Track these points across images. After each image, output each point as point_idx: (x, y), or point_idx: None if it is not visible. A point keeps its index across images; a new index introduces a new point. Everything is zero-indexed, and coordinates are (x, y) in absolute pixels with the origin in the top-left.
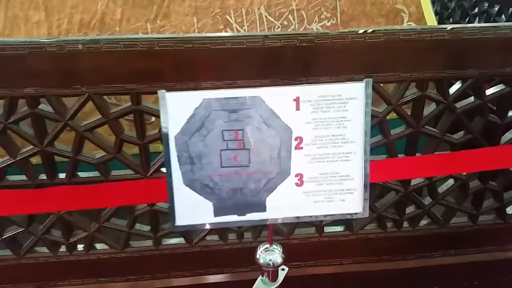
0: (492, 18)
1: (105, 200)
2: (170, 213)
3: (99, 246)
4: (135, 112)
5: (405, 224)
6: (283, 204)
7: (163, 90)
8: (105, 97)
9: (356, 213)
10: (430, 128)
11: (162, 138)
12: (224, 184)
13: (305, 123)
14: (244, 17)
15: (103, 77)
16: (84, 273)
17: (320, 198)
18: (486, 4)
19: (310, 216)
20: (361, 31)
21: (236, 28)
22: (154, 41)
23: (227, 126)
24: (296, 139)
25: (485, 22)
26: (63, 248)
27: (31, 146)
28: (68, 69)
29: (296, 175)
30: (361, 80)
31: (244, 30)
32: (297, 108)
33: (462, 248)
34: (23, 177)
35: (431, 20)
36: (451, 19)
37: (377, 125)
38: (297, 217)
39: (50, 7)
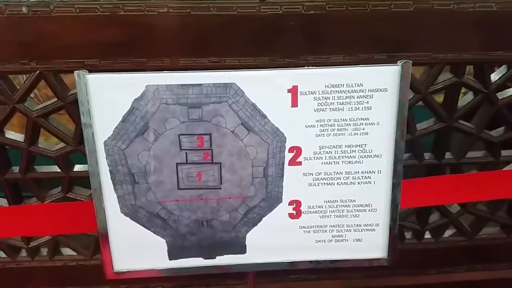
0: None
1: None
2: (102, 255)
3: (65, 251)
4: None
5: (427, 234)
6: (272, 244)
7: (83, 71)
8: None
9: (378, 259)
10: (465, 122)
11: (85, 143)
12: (183, 213)
13: (306, 126)
14: None
15: (57, 50)
16: (48, 281)
17: (326, 236)
18: None
19: (311, 262)
20: None
21: None
22: (118, 4)
23: (185, 129)
24: (291, 150)
25: None
26: (23, 253)
27: None
28: (11, 39)
29: (291, 203)
30: (389, 61)
31: None
32: (294, 104)
33: (491, 263)
34: None
35: None
36: None
37: None
38: (292, 263)
39: None
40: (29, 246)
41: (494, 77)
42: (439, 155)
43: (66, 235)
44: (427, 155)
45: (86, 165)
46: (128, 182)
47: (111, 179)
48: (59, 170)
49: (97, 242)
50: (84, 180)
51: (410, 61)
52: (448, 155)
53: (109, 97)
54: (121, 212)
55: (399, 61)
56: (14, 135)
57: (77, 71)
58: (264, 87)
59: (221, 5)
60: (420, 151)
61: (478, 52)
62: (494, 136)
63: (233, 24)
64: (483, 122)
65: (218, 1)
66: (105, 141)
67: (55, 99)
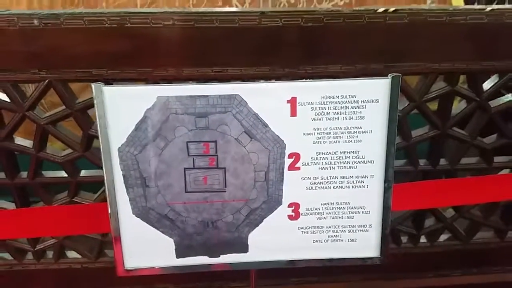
0: None
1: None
2: (115, 254)
3: (70, 254)
4: None
5: (423, 239)
6: (272, 243)
7: (99, 83)
8: None
9: (371, 258)
10: (458, 130)
11: (102, 150)
12: (190, 214)
13: (304, 134)
14: None
15: (65, 60)
16: (53, 283)
17: (322, 237)
18: None
19: (308, 260)
20: (381, 10)
21: (236, 5)
22: (125, 17)
23: (193, 136)
24: (290, 156)
25: None
26: (29, 256)
27: None
28: (23, 50)
29: (290, 205)
30: (382, 73)
31: (245, 8)
32: (293, 113)
33: (486, 267)
34: None
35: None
36: (476, 2)
37: None
38: (291, 262)
39: None
40: (35, 249)
41: (487, 85)
42: (434, 162)
43: (71, 238)
44: (422, 162)
45: (92, 170)
46: (139, 185)
47: (124, 182)
48: (66, 175)
49: (101, 245)
50: (89, 185)
51: (400, 74)
52: (443, 161)
53: (123, 107)
54: (133, 214)
55: (389, 75)
56: (23, 141)
57: (94, 83)
58: (265, 98)
59: (223, 18)
60: (415, 157)
61: (471, 62)
62: (487, 143)
63: (235, 36)
64: (476, 129)
65: (220, 13)
66: (119, 147)
67: (63, 107)
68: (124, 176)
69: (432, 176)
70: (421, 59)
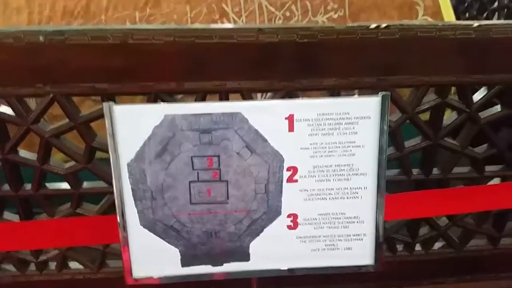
0: None
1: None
2: (123, 263)
3: (73, 265)
4: None
5: (417, 247)
6: (272, 252)
7: (110, 103)
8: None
9: (365, 266)
10: (450, 140)
11: (112, 165)
12: (195, 225)
13: (301, 148)
14: (242, 6)
15: (69, 75)
16: None
17: (320, 246)
18: None
19: (307, 269)
20: (373, 26)
21: (233, 19)
22: (127, 33)
23: (197, 151)
24: (288, 169)
25: (505, 19)
26: (32, 267)
27: None
28: (28, 65)
29: (289, 216)
30: (375, 86)
31: (242, 21)
32: (291, 129)
33: (480, 273)
34: None
35: (448, 14)
36: (467, 14)
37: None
38: (290, 269)
39: None
40: (38, 260)
41: (477, 97)
42: (427, 171)
43: (74, 249)
44: (415, 171)
45: (94, 182)
46: (147, 198)
47: (133, 195)
48: (69, 187)
49: (103, 256)
50: (91, 196)
51: (389, 93)
52: (435, 170)
53: (132, 124)
54: (141, 225)
55: (379, 93)
56: (26, 153)
57: (105, 103)
58: (265, 115)
59: (222, 34)
60: (408, 167)
61: (460, 75)
62: (478, 153)
63: (234, 51)
64: (467, 139)
65: (220, 30)
66: (128, 163)
67: (67, 120)
68: (132, 189)
69: (425, 185)
70: (412, 72)
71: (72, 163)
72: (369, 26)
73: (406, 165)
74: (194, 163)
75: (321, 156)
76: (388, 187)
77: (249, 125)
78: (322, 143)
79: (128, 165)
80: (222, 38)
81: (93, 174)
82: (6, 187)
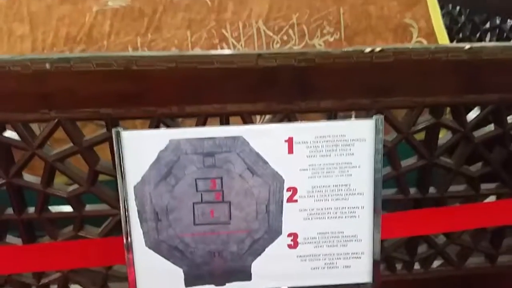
0: (505, 34)
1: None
2: (129, 284)
3: (74, 287)
4: (111, 139)
5: (416, 265)
6: (273, 271)
7: (119, 128)
8: None
9: (364, 284)
10: (445, 159)
11: (119, 189)
12: (198, 246)
13: (300, 169)
14: (241, 31)
15: (75, 101)
16: None
17: (319, 264)
18: (498, 20)
19: (307, 287)
20: (367, 50)
21: (232, 43)
22: (131, 60)
23: (201, 174)
24: (288, 189)
25: (497, 38)
26: None
27: None
28: (35, 92)
29: (289, 235)
30: (370, 107)
31: (241, 45)
32: (290, 151)
33: None
34: None
35: (442, 36)
36: (460, 34)
37: (386, 154)
38: None
39: (35, 20)
40: (40, 283)
41: (471, 116)
42: (423, 190)
43: (75, 272)
44: (412, 190)
45: (96, 205)
46: (152, 219)
47: (139, 217)
48: (72, 210)
49: (105, 278)
50: (93, 219)
51: (382, 116)
52: (432, 189)
53: (139, 149)
54: (146, 246)
55: (374, 116)
56: (30, 177)
57: (113, 129)
58: (265, 139)
59: (223, 60)
60: (405, 186)
61: (453, 96)
62: (473, 171)
63: (234, 75)
64: (462, 158)
65: (220, 56)
66: (135, 186)
67: (71, 144)
68: (138, 211)
69: (422, 204)
70: (406, 94)
71: (75, 186)
72: (364, 50)
73: (402, 184)
74: (198, 185)
75: (320, 177)
76: (386, 206)
77: (250, 148)
78: (320, 164)
79: (135, 188)
80: (223, 64)
81: (96, 197)
82: (9, 210)
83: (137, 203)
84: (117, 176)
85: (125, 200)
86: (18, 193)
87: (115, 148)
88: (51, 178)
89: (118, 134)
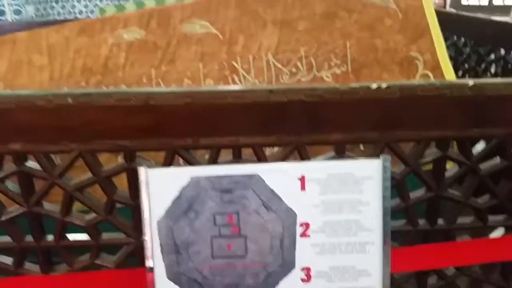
0: (509, 65)
1: None
2: None
3: None
4: (128, 170)
5: None
6: None
7: (144, 167)
8: None
9: None
10: (453, 191)
11: (144, 223)
12: (216, 278)
13: (312, 206)
14: (251, 63)
15: (95, 133)
16: None
17: None
18: (503, 51)
19: None
20: (374, 86)
21: (243, 75)
22: (150, 95)
23: (219, 209)
24: (301, 225)
25: (502, 69)
26: None
27: (17, 206)
28: (57, 125)
29: (303, 269)
30: (378, 140)
31: (251, 77)
32: (303, 188)
33: None
34: (8, 239)
35: (447, 68)
36: (466, 65)
37: (395, 186)
38: None
39: (53, 51)
40: None
41: (478, 148)
42: (432, 221)
43: None
44: (421, 221)
45: (112, 233)
46: (173, 252)
47: (161, 250)
48: (89, 238)
49: None
50: (109, 248)
51: (389, 156)
52: (440, 221)
53: (163, 186)
54: (167, 277)
55: (381, 156)
56: (49, 206)
57: (140, 167)
58: (279, 176)
59: (236, 95)
60: (414, 218)
61: (459, 130)
62: (480, 203)
63: (246, 110)
64: (469, 190)
65: (233, 91)
66: (158, 220)
67: (90, 174)
68: (161, 245)
69: (431, 235)
70: (413, 128)
71: (93, 215)
72: (371, 86)
73: (411, 215)
74: (216, 220)
75: (331, 213)
76: (395, 237)
77: (266, 185)
78: (331, 201)
79: (158, 222)
80: (236, 99)
81: (113, 226)
82: (28, 237)
83: (160, 236)
84: (143, 211)
85: (150, 234)
86: (37, 221)
87: (141, 185)
88: (70, 207)
89: (145, 172)
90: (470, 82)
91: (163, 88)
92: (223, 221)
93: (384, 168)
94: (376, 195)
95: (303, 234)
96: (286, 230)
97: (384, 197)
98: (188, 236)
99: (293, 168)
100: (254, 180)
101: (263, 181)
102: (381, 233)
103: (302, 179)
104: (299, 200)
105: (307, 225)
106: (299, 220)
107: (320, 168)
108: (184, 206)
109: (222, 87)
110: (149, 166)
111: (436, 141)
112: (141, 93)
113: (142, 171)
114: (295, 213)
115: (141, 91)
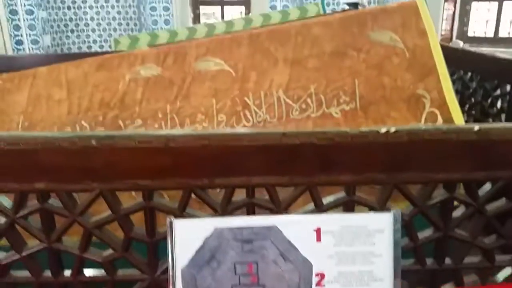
0: None
1: None
2: None
3: None
4: (146, 209)
5: None
6: None
7: (171, 218)
8: None
9: None
10: (460, 231)
11: (169, 271)
12: None
13: (327, 257)
14: (262, 99)
15: (116, 173)
16: None
17: None
18: (508, 87)
19: None
20: (383, 131)
21: (254, 110)
22: (170, 138)
23: (239, 258)
24: (317, 275)
25: (508, 104)
26: None
27: (38, 242)
28: (80, 165)
29: None
30: (386, 182)
31: (262, 112)
32: (318, 240)
33: None
34: (27, 273)
35: (453, 106)
36: (472, 99)
37: (404, 227)
38: None
39: (72, 86)
40: None
41: (484, 189)
42: (440, 261)
43: None
44: (429, 261)
45: (127, 269)
46: None
47: None
48: (105, 274)
49: None
50: (124, 284)
51: (400, 210)
52: (447, 260)
53: (189, 236)
54: None
55: (392, 210)
56: (68, 241)
57: (168, 218)
58: (296, 228)
59: (251, 138)
60: (422, 257)
61: (465, 173)
62: (487, 243)
63: (260, 151)
64: (476, 230)
65: (248, 134)
66: (183, 269)
67: (109, 212)
68: None
69: (439, 274)
70: (420, 170)
71: (109, 250)
72: (380, 130)
73: (420, 255)
74: (236, 269)
75: (345, 264)
76: (404, 276)
77: (283, 236)
78: (345, 252)
79: (182, 271)
80: (250, 141)
81: (129, 263)
82: (46, 272)
83: (183, 284)
84: (169, 259)
85: (174, 282)
86: (56, 256)
87: (168, 236)
88: (89, 244)
89: (172, 223)
90: (476, 127)
91: (181, 131)
92: (243, 270)
93: (395, 223)
94: (387, 247)
95: (319, 284)
96: (303, 280)
97: (395, 249)
98: (210, 284)
99: (309, 220)
100: (272, 232)
101: (281, 232)
102: (392, 283)
103: (318, 231)
104: (315, 251)
105: (322, 276)
106: (315, 270)
107: (335, 221)
108: (207, 256)
109: (237, 130)
110: (175, 216)
111: (443, 183)
112: (161, 136)
113: (169, 222)
114: (311, 263)
115: (161, 134)
